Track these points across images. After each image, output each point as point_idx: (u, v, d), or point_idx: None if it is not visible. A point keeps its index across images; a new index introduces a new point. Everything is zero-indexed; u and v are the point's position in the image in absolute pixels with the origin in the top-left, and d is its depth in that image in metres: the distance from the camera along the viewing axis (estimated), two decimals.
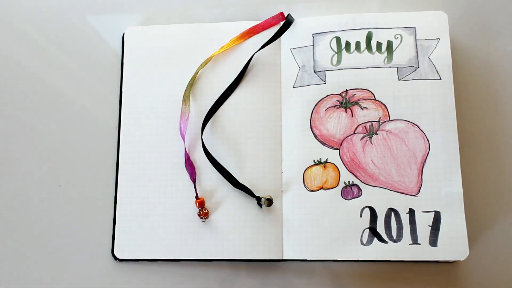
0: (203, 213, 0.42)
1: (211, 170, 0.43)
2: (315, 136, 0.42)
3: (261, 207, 0.42)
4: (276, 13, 0.45)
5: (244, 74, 0.44)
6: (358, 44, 0.43)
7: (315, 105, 0.43)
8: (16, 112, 0.47)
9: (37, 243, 0.44)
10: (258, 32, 0.45)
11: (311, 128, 0.43)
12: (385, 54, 0.43)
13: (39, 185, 0.45)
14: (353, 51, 0.43)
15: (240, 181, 0.42)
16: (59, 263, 0.44)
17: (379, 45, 0.43)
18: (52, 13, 0.49)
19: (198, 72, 0.44)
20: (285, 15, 0.45)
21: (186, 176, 0.43)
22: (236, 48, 0.45)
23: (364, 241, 0.40)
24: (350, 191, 0.41)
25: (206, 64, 0.44)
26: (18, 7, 0.49)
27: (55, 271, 0.44)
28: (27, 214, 0.45)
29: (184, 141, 0.43)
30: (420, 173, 0.41)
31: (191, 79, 0.44)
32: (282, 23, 0.45)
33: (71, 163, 0.46)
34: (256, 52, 0.44)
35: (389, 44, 0.43)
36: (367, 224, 0.40)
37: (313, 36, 0.44)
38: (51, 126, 0.46)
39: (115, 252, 0.43)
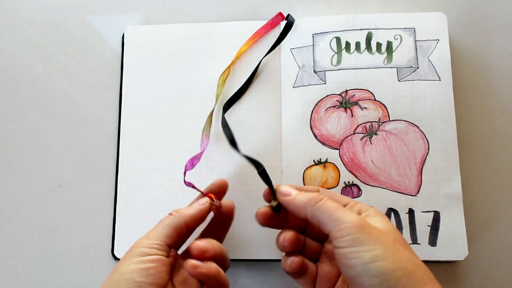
0: (216, 207, 0.38)
1: (212, 171, 0.43)
2: (315, 136, 0.42)
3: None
4: (276, 13, 0.45)
5: (252, 80, 0.44)
6: (358, 45, 0.43)
7: (315, 105, 0.43)
8: (16, 112, 0.47)
9: (37, 243, 0.44)
10: (262, 36, 0.45)
11: (311, 128, 0.43)
12: (385, 54, 0.43)
13: (39, 185, 0.45)
14: (353, 51, 0.43)
15: (240, 181, 0.42)
16: (59, 263, 0.44)
17: (379, 45, 0.43)
18: (52, 13, 0.49)
19: (218, 96, 0.44)
20: (285, 15, 0.45)
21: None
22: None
23: None
24: (350, 191, 0.41)
25: (224, 83, 0.44)
26: (18, 7, 0.49)
27: (55, 271, 0.44)
28: (27, 214, 0.45)
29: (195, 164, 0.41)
30: (420, 173, 0.41)
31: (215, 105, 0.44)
32: (283, 24, 0.45)
33: (71, 163, 0.46)
34: (263, 58, 0.44)
35: (389, 44, 0.43)
36: None
37: (313, 36, 0.44)
38: (51, 126, 0.46)
39: (115, 252, 0.43)
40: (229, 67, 0.44)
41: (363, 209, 0.32)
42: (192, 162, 0.40)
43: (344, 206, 0.32)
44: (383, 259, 0.27)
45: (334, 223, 0.29)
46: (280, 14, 0.45)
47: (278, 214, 0.36)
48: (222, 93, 0.44)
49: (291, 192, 0.33)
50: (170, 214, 0.35)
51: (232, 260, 0.42)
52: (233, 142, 0.39)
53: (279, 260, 0.42)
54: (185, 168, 0.40)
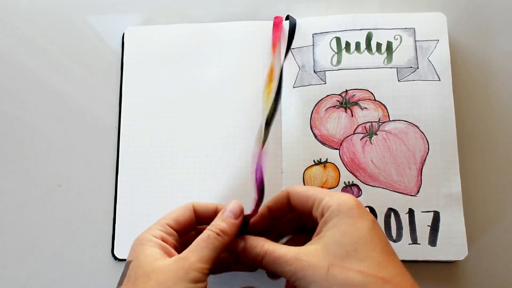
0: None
1: (214, 172, 0.43)
2: (315, 136, 0.42)
3: None
4: (276, 13, 0.45)
5: (281, 86, 0.41)
6: (358, 45, 0.43)
7: (315, 105, 0.43)
8: (16, 112, 0.47)
9: (37, 243, 0.44)
10: (278, 41, 0.44)
11: (311, 128, 0.43)
12: (385, 54, 0.43)
13: (39, 185, 0.45)
14: (353, 52, 0.43)
15: (240, 181, 0.42)
16: (59, 263, 0.44)
17: (379, 45, 0.43)
18: (52, 13, 0.49)
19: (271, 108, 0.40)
20: (285, 16, 0.45)
21: (186, 176, 0.43)
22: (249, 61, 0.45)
23: None
24: (350, 191, 0.41)
25: (269, 96, 0.41)
26: (18, 7, 0.49)
27: (55, 271, 0.44)
28: (27, 214, 0.45)
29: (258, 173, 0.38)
30: (420, 173, 0.41)
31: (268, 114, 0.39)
32: (284, 25, 0.45)
33: (71, 163, 0.46)
34: (282, 63, 0.43)
35: (389, 44, 0.43)
36: None
37: (313, 36, 0.44)
38: (51, 126, 0.46)
39: (115, 252, 0.43)
40: (271, 80, 0.42)
41: (325, 209, 0.31)
42: (261, 178, 0.37)
43: (311, 206, 0.33)
44: None
45: (279, 274, 0.31)
46: (277, 17, 0.45)
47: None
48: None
49: (239, 249, 0.34)
50: (217, 234, 0.33)
51: None
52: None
53: None
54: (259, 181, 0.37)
